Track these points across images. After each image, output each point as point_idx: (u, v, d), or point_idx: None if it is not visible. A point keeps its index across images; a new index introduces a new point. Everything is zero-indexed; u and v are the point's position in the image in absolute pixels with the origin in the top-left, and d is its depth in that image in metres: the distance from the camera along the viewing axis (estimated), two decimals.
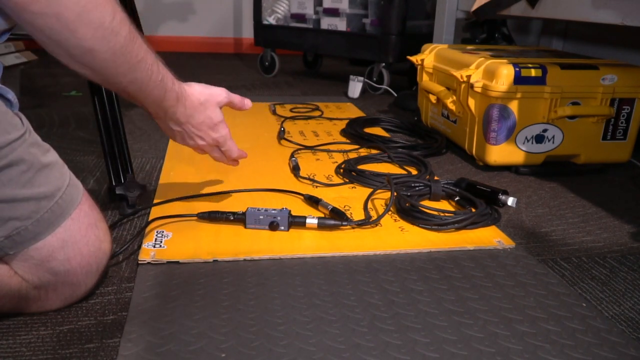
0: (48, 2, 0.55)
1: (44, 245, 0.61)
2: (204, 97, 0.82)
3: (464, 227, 0.90)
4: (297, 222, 0.87)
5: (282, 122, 1.54)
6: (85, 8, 0.56)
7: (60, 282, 0.64)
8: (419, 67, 1.51)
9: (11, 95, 0.62)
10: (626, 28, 1.07)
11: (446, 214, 0.92)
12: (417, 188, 1.03)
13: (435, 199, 1.01)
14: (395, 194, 0.97)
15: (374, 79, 2.09)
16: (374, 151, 1.30)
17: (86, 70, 0.63)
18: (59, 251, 0.62)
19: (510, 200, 0.96)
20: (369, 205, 0.99)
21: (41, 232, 0.60)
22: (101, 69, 0.63)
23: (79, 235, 0.64)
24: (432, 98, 1.43)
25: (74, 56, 0.60)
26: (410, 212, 0.93)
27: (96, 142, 1.29)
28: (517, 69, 1.14)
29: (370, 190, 1.04)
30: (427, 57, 1.46)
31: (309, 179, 1.11)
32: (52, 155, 0.64)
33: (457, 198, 1.00)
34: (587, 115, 1.19)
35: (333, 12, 2.17)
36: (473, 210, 0.95)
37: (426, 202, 1.00)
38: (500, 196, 0.97)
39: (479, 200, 0.96)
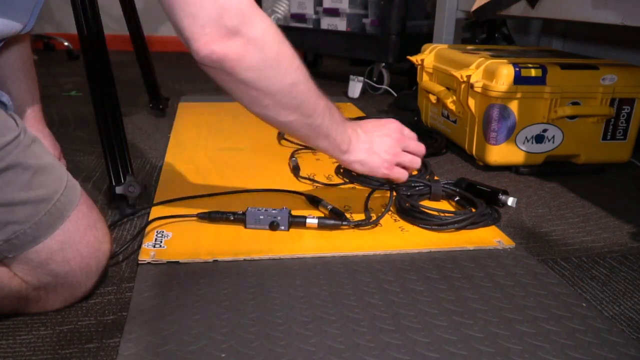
0: (255, 49, 0.62)
1: (43, 248, 0.61)
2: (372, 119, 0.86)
3: (464, 227, 0.90)
4: (297, 222, 0.87)
5: None
6: (281, 46, 0.66)
7: (60, 283, 0.64)
8: (419, 67, 1.51)
9: (6, 98, 0.62)
10: (626, 28, 1.07)
11: (446, 214, 0.92)
12: (417, 188, 1.03)
13: (435, 199, 1.01)
14: (394, 193, 0.97)
15: (374, 79, 2.09)
16: None
17: (290, 113, 0.70)
18: (58, 253, 0.62)
19: (510, 200, 0.96)
20: (369, 205, 0.99)
21: (40, 235, 0.60)
22: (302, 102, 0.70)
23: (78, 237, 0.64)
24: (432, 98, 1.43)
25: (278, 97, 0.67)
26: (410, 212, 0.93)
27: (96, 142, 1.29)
28: (517, 69, 1.14)
29: (370, 190, 1.04)
30: (427, 57, 1.46)
31: (309, 179, 1.11)
32: (49, 157, 0.64)
33: (457, 198, 1.00)
34: (587, 115, 1.19)
35: (333, 12, 2.17)
36: (473, 210, 0.95)
37: (426, 202, 1.00)
38: (500, 196, 0.97)
39: (479, 200, 0.96)
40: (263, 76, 0.65)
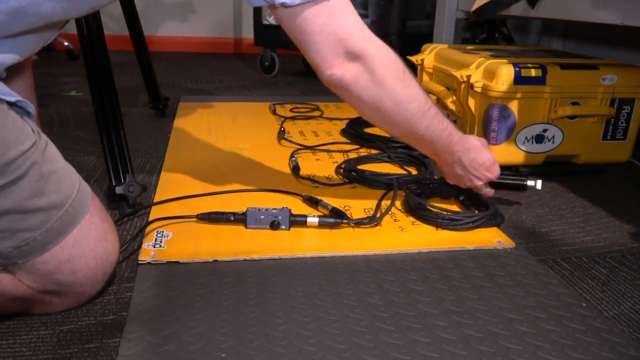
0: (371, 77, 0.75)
1: (51, 259, 0.61)
2: (481, 141, 0.92)
3: (480, 226, 0.91)
4: (298, 220, 0.87)
5: (282, 122, 1.54)
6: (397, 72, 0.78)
7: (65, 291, 0.64)
8: (419, 67, 1.51)
9: (31, 109, 0.62)
10: (626, 28, 1.06)
11: (453, 213, 0.92)
12: (431, 186, 1.03)
13: (447, 197, 1.01)
14: (398, 193, 0.97)
15: None
16: (374, 151, 1.30)
17: (394, 127, 0.83)
18: (65, 264, 0.62)
19: (539, 184, 0.99)
20: (369, 205, 0.98)
21: (50, 241, 0.60)
22: (403, 120, 0.80)
23: (88, 249, 0.63)
24: (432, 98, 1.43)
25: (382, 113, 0.79)
26: (422, 212, 0.93)
27: (96, 142, 1.29)
28: (517, 69, 1.14)
29: (372, 190, 1.05)
30: (427, 57, 1.46)
31: (309, 179, 1.11)
32: (62, 159, 0.64)
33: (461, 197, 1.00)
34: (587, 115, 1.19)
35: None
36: (476, 212, 0.95)
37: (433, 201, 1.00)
38: (528, 182, 0.99)
39: (492, 194, 0.97)
40: (371, 95, 0.77)
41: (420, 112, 0.81)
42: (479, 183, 0.93)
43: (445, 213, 0.92)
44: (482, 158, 0.91)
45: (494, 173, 0.92)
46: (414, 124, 0.81)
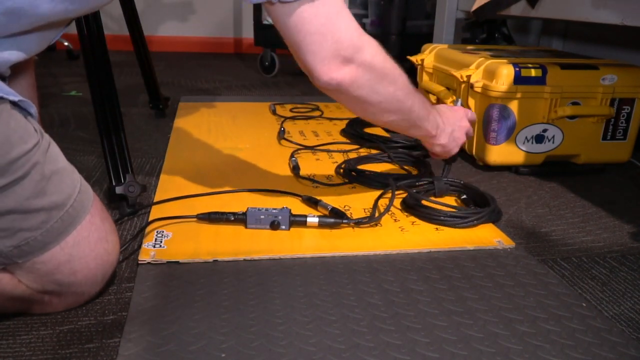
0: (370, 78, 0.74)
1: (51, 259, 0.61)
2: (445, 105, 0.99)
3: (482, 223, 0.92)
4: (298, 220, 0.87)
5: (282, 122, 1.54)
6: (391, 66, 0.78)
7: (64, 292, 0.64)
8: (419, 67, 1.51)
9: (33, 109, 0.62)
10: (626, 28, 1.06)
11: (457, 211, 0.93)
12: (424, 186, 1.03)
13: (440, 195, 1.02)
14: (395, 192, 0.97)
15: None
16: (374, 151, 1.30)
17: (392, 114, 0.83)
18: (65, 265, 0.62)
19: (459, 102, 1.06)
20: (369, 205, 0.98)
21: (50, 241, 0.60)
22: (400, 106, 0.82)
23: (88, 249, 0.63)
24: (432, 98, 1.43)
25: (383, 105, 0.79)
26: (421, 210, 0.94)
27: (96, 142, 1.29)
28: (517, 69, 1.14)
29: (373, 190, 1.05)
30: (427, 57, 1.46)
31: (309, 179, 1.11)
32: (63, 159, 0.64)
33: (463, 196, 1.00)
34: (587, 115, 1.19)
35: None
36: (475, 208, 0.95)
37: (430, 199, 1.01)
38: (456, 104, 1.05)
39: (489, 195, 0.98)
40: (370, 92, 0.76)
41: (412, 94, 0.83)
42: (466, 129, 0.99)
43: (449, 210, 0.93)
44: (456, 118, 0.97)
45: (469, 113, 1.00)
46: (408, 107, 0.84)
